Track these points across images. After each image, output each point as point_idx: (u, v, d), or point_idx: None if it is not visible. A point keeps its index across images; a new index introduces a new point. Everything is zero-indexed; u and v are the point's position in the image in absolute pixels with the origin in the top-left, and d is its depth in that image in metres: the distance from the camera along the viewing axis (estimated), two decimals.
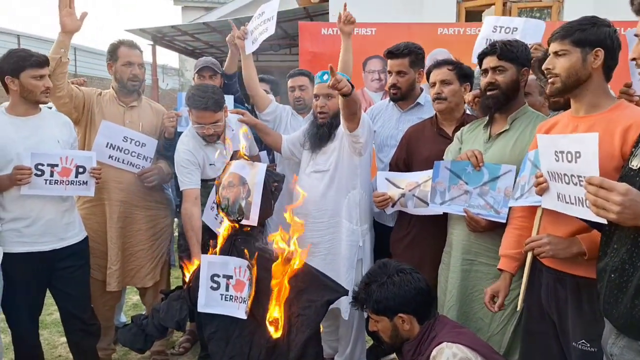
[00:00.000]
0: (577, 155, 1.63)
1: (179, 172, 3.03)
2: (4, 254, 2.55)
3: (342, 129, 2.96)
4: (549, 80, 1.94)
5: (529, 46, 2.85)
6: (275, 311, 2.21)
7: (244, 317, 2.27)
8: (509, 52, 2.30)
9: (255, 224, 2.34)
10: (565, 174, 1.70)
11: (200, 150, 3.06)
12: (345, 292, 2.48)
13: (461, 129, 2.63)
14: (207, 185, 3.05)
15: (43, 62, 2.67)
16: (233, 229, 2.40)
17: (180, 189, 3.03)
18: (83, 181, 2.78)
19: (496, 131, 2.42)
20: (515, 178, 2.24)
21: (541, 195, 1.88)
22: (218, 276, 2.34)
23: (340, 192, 2.94)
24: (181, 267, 2.62)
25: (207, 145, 3.08)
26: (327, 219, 2.95)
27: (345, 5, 3.11)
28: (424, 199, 2.61)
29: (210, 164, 3.07)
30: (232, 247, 2.39)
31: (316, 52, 4.67)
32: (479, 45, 2.96)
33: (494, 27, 3.18)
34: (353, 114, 2.69)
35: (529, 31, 3.04)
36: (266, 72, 3.58)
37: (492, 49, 2.34)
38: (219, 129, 3.05)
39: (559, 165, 1.72)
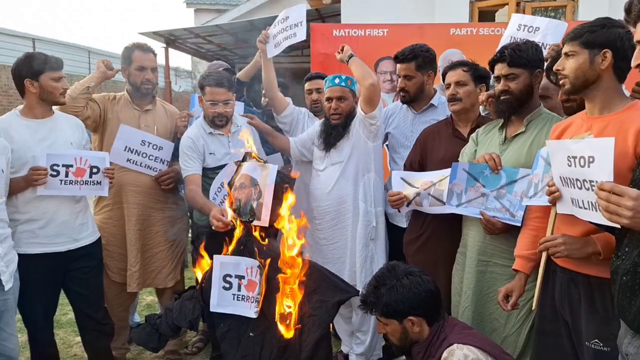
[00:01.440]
0: (591, 160, 1.62)
1: (181, 159, 3.08)
2: (20, 255, 2.60)
3: (354, 124, 3.05)
4: (560, 82, 1.94)
5: (548, 47, 2.83)
6: (285, 309, 2.23)
7: (254, 316, 2.29)
8: (518, 58, 2.28)
9: (266, 224, 2.36)
10: (577, 179, 1.69)
11: (201, 138, 3.10)
12: (356, 293, 2.49)
13: (476, 130, 2.62)
14: (207, 173, 3.10)
15: (60, 65, 2.74)
16: (245, 229, 2.42)
17: (183, 175, 3.08)
18: (97, 181, 2.81)
19: (512, 133, 2.41)
20: None
21: (553, 204, 1.88)
22: (230, 276, 2.36)
23: (355, 178, 3.06)
24: (195, 259, 2.63)
25: (210, 135, 3.13)
26: (342, 205, 3.07)
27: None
28: (440, 197, 2.61)
29: (210, 153, 3.11)
30: (243, 248, 2.41)
31: (328, 53, 4.67)
32: (504, 43, 2.95)
33: (518, 25, 3.16)
34: (368, 84, 2.84)
35: (550, 31, 3.01)
36: (278, 74, 3.61)
37: (502, 57, 2.31)
38: (230, 110, 3.12)
39: (571, 171, 1.72)
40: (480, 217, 2.37)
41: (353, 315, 3.18)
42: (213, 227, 2.53)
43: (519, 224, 2.24)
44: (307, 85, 3.70)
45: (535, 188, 2.08)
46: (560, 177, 1.81)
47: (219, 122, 3.11)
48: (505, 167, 2.34)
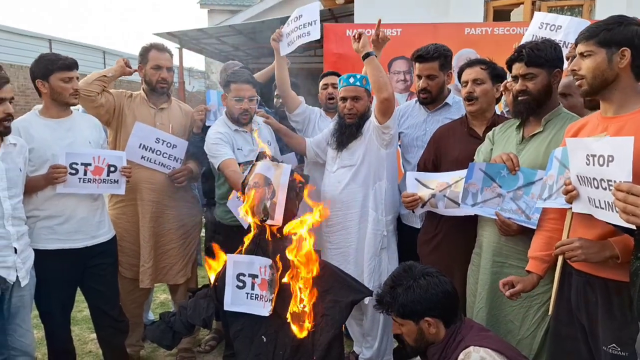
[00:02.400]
0: (610, 159, 1.60)
1: (212, 151, 3.05)
2: (38, 250, 2.64)
3: (368, 125, 3.01)
4: (577, 83, 1.91)
5: (570, 45, 2.78)
6: (298, 309, 2.23)
7: (267, 314, 2.30)
8: (536, 57, 2.24)
9: (279, 224, 2.35)
10: (595, 178, 1.67)
11: (229, 134, 3.12)
12: (370, 293, 2.48)
13: (493, 129, 2.59)
14: None
15: (71, 65, 2.76)
16: (258, 228, 2.42)
17: (217, 166, 3.03)
18: (114, 180, 2.85)
19: (529, 133, 2.37)
20: None
21: (570, 203, 1.85)
22: (244, 275, 2.37)
23: (366, 184, 3.01)
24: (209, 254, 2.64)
25: (235, 131, 3.15)
26: (350, 210, 3.01)
27: (379, 23, 3.09)
28: (455, 199, 2.58)
29: (238, 149, 3.13)
30: (257, 247, 2.42)
31: (341, 53, 4.67)
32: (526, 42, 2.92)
33: (540, 23, 3.10)
34: (381, 88, 2.79)
35: (572, 30, 2.94)
36: (292, 74, 3.64)
37: (519, 56, 2.28)
38: (253, 106, 3.15)
39: (589, 169, 1.69)
40: (496, 217, 2.35)
41: (364, 317, 3.16)
42: None
43: (534, 227, 2.21)
44: (323, 81, 3.71)
45: (550, 190, 2.05)
46: (577, 175, 1.78)
47: (243, 119, 3.13)
48: (523, 168, 2.30)
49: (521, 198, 2.29)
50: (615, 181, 1.52)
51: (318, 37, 3.26)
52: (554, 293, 1.96)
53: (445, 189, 2.63)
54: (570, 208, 1.89)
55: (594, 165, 1.66)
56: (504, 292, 2.12)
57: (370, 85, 2.94)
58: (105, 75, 3.09)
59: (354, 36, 2.96)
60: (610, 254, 1.77)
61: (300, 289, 2.26)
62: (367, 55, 2.89)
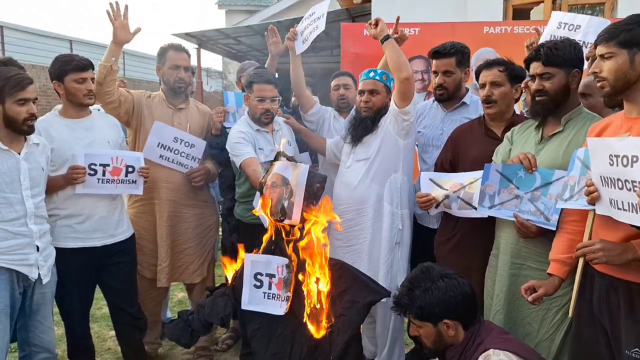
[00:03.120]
0: (634, 159, 1.57)
1: (234, 150, 3.06)
2: (58, 249, 2.68)
3: (384, 121, 2.97)
4: (598, 85, 1.88)
5: (590, 45, 2.73)
6: (315, 308, 2.23)
7: (282, 313, 2.30)
8: (554, 57, 2.21)
9: (297, 223, 2.36)
10: (618, 179, 1.64)
11: (251, 134, 3.14)
12: (388, 294, 2.47)
13: (512, 129, 2.55)
14: None
15: (85, 65, 2.77)
16: (276, 228, 2.43)
17: (238, 165, 3.04)
18: (132, 180, 2.89)
19: (549, 132, 2.34)
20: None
21: (593, 205, 1.82)
22: (261, 275, 2.38)
23: (381, 178, 2.95)
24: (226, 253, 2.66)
25: (257, 131, 3.17)
26: (364, 205, 2.96)
27: (397, 21, 3.10)
28: (469, 201, 2.56)
29: (259, 148, 3.14)
30: (275, 246, 2.42)
31: (358, 53, 4.66)
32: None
33: (559, 23, 3.06)
34: (401, 68, 2.76)
35: (592, 29, 2.90)
36: (308, 74, 3.64)
37: (537, 55, 2.25)
38: (275, 106, 3.17)
39: (612, 170, 1.66)
40: (514, 219, 2.32)
41: (376, 321, 3.10)
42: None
43: (553, 228, 2.17)
44: (334, 81, 3.69)
45: (572, 191, 2.02)
46: (600, 176, 1.75)
47: (265, 119, 3.15)
48: (540, 169, 2.27)
49: (539, 199, 2.25)
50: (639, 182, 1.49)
51: (323, 28, 3.28)
52: (574, 296, 1.93)
53: (459, 190, 2.60)
54: (593, 210, 1.86)
55: (617, 165, 1.63)
56: (526, 297, 2.09)
57: (390, 70, 2.90)
58: (111, 67, 2.93)
59: (370, 23, 2.95)
60: (633, 256, 1.73)
61: (317, 288, 2.26)
62: (385, 38, 2.87)
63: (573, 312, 1.96)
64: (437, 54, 2.97)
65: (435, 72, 3.01)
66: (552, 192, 2.21)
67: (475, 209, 2.51)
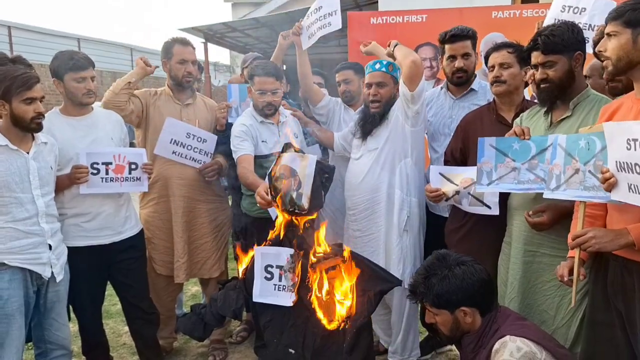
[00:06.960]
0: None
1: (233, 142, 3.09)
2: (67, 247, 2.69)
3: (393, 110, 2.96)
4: (603, 63, 1.86)
5: (596, 28, 2.68)
6: (324, 298, 2.23)
7: (290, 304, 2.30)
8: (553, 44, 2.16)
9: (305, 214, 2.35)
10: (637, 164, 1.61)
11: (254, 126, 3.14)
12: (399, 283, 2.46)
13: (521, 115, 2.52)
14: (260, 162, 3.12)
15: (84, 65, 2.74)
16: (284, 219, 2.42)
17: (234, 158, 3.07)
18: (136, 177, 2.87)
19: (557, 117, 2.30)
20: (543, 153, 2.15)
21: (610, 192, 1.78)
22: (271, 267, 2.38)
23: (391, 165, 2.94)
24: (236, 258, 2.67)
25: (261, 123, 3.17)
26: (376, 193, 2.95)
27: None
28: (480, 197, 2.53)
29: (262, 141, 3.15)
30: (284, 238, 2.42)
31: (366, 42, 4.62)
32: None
33: (562, 6, 3.00)
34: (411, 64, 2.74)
35: (597, 12, 2.83)
36: (316, 65, 3.61)
37: (535, 45, 2.21)
38: (278, 99, 3.16)
39: (631, 154, 1.63)
40: (517, 191, 2.28)
41: (391, 310, 3.10)
42: (257, 203, 2.52)
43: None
44: (336, 78, 3.65)
45: (558, 180, 1.99)
46: (616, 161, 1.71)
47: (267, 110, 3.15)
48: (534, 137, 2.23)
49: (537, 167, 2.20)
50: None
51: (339, 26, 3.22)
52: (574, 286, 1.93)
53: (469, 185, 2.56)
54: (583, 202, 1.87)
55: (635, 149, 1.60)
56: (564, 281, 2.02)
57: (399, 68, 2.90)
58: (129, 82, 3.07)
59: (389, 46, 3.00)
60: (626, 241, 1.74)
61: (326, 278, 2.26)
62: (395, 45, 2.92)
63: (575, 301, 1.96)
64: (454, 37, 2.91)
65: (453, 57, 2.94)
66: (548, 157, 2.15)
67: (489, 207, 2.50)
